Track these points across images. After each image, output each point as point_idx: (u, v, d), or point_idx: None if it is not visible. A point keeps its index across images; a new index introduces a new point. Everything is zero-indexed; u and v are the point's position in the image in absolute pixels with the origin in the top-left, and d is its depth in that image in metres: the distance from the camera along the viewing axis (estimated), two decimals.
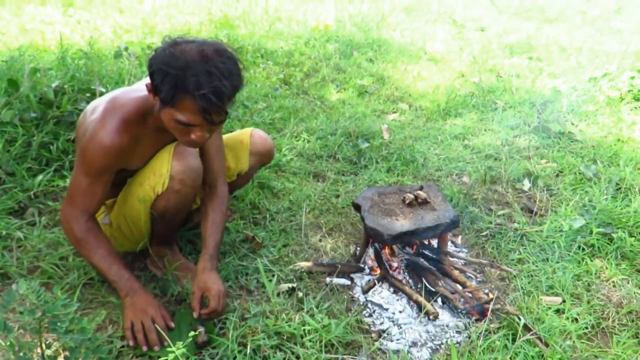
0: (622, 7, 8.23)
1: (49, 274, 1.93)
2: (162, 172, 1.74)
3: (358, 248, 2.28)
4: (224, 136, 2.12)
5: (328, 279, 2.06)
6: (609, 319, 1.90)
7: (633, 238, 2.32)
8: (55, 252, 2.02)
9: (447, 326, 1.88)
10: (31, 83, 2.66)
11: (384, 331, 1.84)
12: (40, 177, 2.40)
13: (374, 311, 1.95)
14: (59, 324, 1.29)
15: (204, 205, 1.95)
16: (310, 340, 1.69)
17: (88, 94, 2.73)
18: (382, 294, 2.04)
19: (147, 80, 1.58)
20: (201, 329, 1.66)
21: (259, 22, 5.95)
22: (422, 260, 2.13)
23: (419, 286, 2.04)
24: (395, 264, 2.20)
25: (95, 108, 1.69)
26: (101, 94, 2.70)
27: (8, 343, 1.29)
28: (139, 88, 1.71)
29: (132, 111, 1.66)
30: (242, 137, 2.19)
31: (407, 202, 2.15)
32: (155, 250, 1.98)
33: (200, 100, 1.45)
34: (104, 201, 1.83)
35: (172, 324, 1.68)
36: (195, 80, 1.44)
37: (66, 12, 5.91)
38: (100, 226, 1.79)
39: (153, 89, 1.54)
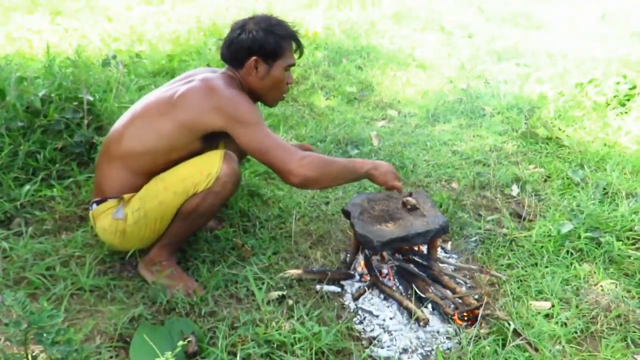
0: (606, 14, 8.33)
1: (36, 284, 1.91)
2: (210, 172, 1.83)
3: (348, 255, 2.28)
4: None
5: (318, 287, 2.06)
6: (597, 323, 1.92)
7: (620, 242, 2.33)
8: (42, 263, 2.00)
9: (437, 332, 1.88)
10: (18, 92, 2.63)
11: (374, 338, 1.84)
12: (27, 186, 2.38)
13: (364, 318, 1.94)
14: (45, 335, 1.28)
15: None
16: (300, 349, 1.68)
17: (75, 103, 2.71)
18: (372, 300, 2.04)
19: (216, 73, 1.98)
20: (191, 338, 1.65)
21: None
22: (412, 266, 2.13)
23: (409, 292, 2.04)
24: (385, 271, 2.20)
25: (190, 86, 1.89)
26: (89, 102, 2.68)
27: None
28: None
29: (224, 78, 1.95)
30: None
31: (408, 207, 2.16)
32: (155, 252, 1.96)
33: (295, 38, 2.01)
34: None
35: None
36: (285, 28, 1.98)
37: (54, 21, 5.88)
38: (112, 221, 1.87)
39: (263, 55, 1.93)
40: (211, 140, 1.92)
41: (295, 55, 2.05)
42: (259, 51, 1.92)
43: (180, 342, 1.46)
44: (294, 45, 2.02)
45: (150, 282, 1.95)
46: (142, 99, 2.03)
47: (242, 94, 1.91)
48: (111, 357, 1.63)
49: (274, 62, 1.96)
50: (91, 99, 2.73)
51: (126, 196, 1.90)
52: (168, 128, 1.84)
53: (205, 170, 1.83)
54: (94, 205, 1.94)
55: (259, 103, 2.11)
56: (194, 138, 1.87)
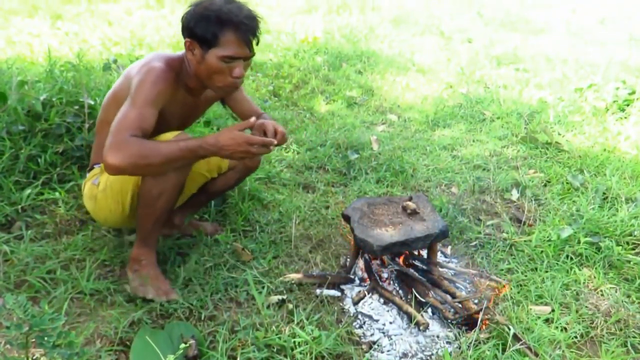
0: (605, 19, 8.36)
1: (36, 287, 1.91)
2: None
3: (348, 259, 2.28)
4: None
5: (318, 291, 2.06)
6: (597, 328, 1.92)
7: (620, 247, 2.34)
8: (43, 266, 2.00)
9: (437, 337, 1.88)
10: (19, 95, 2.64)
11: (374, 342, 1.84)
12: (27, 190, 2.38)
13: (364, 322, 1.94)
14: (46, 338, 1.28)
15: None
16: (300, 353, 1.68)
17: (76, 107, 2.72)
18: (372, 305, 2.03)
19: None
20: (192, 342, 1.65)
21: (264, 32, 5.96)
22: (412, 270, 2.13)
23: (409, 297, 2.04)
24: (385, 275, 2.20)
25: (138, 62, 1.87)
26: (90, 106, 2.69)
27: None
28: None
29: (173, 59, 1.86)
30: None
31: (408, 211, 2.16)
32: (135, 250, 1.97)
33: (240, 28, 1.73)
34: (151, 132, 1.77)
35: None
36: (232, 13, 1.72)
37: (54, 25, 5.90)
38: (90, 186, 1.91)
39: (193, 40, 1.75)
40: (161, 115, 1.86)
41: (245, 50, 1.78)
42: (192, 34, 1.76)
43: (182, 346, 1.45)
44: (240, 35, 1.75)
45: (130, 280, 1.97)
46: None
47: (162, 74, 1.78)
48: None
49: (208, 49, 1.76)
50: (92, 102, 2.74)
51: (103, 166, 1.92)
52: (121, 98, 1.83)
53: None
54: (87, 174, 2.04)
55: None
56: None
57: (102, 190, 1.92)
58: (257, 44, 1.82)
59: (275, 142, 1.80)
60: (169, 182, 1.82)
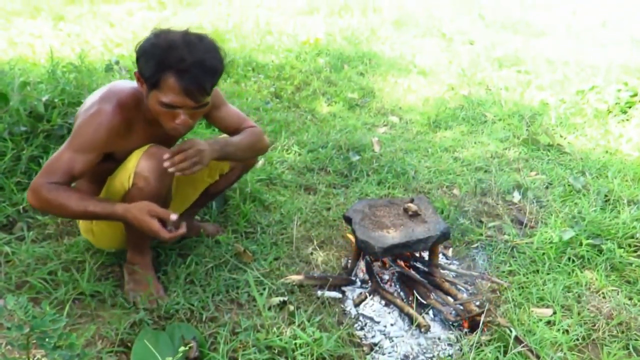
0: (607, 21, 8.35)
1: (38, 288, 1.91)
2: (129, 169, 1.76)
3: (349, 261, 2.28)
4: None
5: (319, 292, 2.06)
6: (599, 331, 1.91)
7: (622, 249, 2.33)
8: (44, 267, 2.00)
9: (438, 339, 1.88)
10: (21, 96, 2.64)
11: (375, 344, 1.84)
12: None
13: (365, 324, 1.94)
14: (47, 339, 1.27)
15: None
16: (301, 354, 1.68)
17: (78, 108, 2.72)
18: (373, 306, 2.03)
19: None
20: (193, 344, 1.64)
21: (249, 35, 5.97)
22: (413, 272, 2.13)
23: (410, 299, 2.04)
24: (386, 277, 2.20)
25: (93, 96, 1.78)
26: None
27: None
28: (134, 81, 1.79)
29: (128, 96, 1.74)
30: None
31: (409, 213, 2.16)
32: (129, 254, 1.99)
33: (182, 76, 1.55)
34: (74, 181, 1.75)
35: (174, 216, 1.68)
36: (177, 57, 1.55)
37: (56, 26, 5.90)
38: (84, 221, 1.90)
39: (140, 75, 1.64)
40: (112, 159, 1.83)
41: (184, 99, 1.60)
42: (139, 69, 1.65)
43: (182, 348, 1.45)
44: (181, 85, 1.57)
45: (125, 281, 1.99)
46: None
47: (106, 130, 1.68)
48: None
49: (149, 90, 1.64)
50: None
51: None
52: None
53: (128, 167, 1.78)
54: None
55: None
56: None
57: (97, 223, 1.94)
58: (208, 94, 1.66)
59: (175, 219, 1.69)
60: (143, 200, 1.76)
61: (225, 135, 2.05)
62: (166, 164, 1.68)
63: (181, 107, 1.63)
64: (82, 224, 2.01)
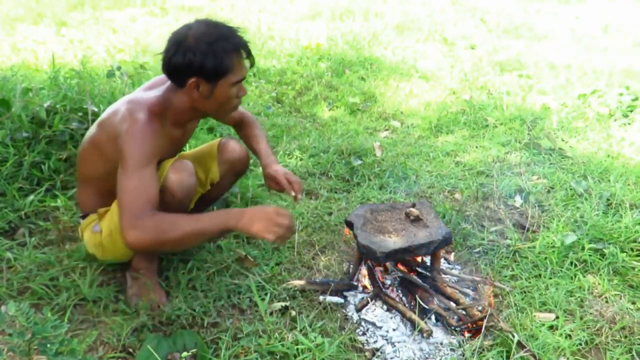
0: (609, 25, 8.35)
1: (39, 294, 1.91)
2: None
3: (351, 266, 2.28)
4: (195, 149, 2.31)
5: (321, 297, 2.05)
6: (602, 335, 1.90)
7: (625, 253, 2.33)
8: (46, 273, 2.00)
9: (441, 344, 1.88)
10: (23, 102, 2.65)
11: (377, 349, 1.83)
12: (31, 197, 2.39)
13: (367, 329, 1.94)
14: (48, 345, 1.27)
15: (241, 131, 2.34)
16: None
17: (80, 114, 2.73)
18: (375, 312, 2.03)
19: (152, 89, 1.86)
20: (187, 354, 1.60)
21: (251, 40, 5.96)
22: (415, 277, 2.12)
23: (412, 304, 2.03)
24: (388, 282, 2.19)
25: (116, 111, 1.77)
26: (93, 113, 2.70)
27: None
28: (145, 92, 1.87)
29: (153, 103, 1.78)
30: (210, 147, 2.27)
31: (411, 218, 2.16)
32: (135, 260, 1.99)
33: (244, 52, 1.76)
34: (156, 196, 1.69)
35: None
36: (234, 41, 1.72)
37: (59, 32, 5.93)
38: (92, 234, 1.88)
39: (199, 77, 1.70)
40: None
41: (247, 65, 1.82)
42: (199, 72, 1.69)
43: (184, 354, 1.45)
44: (243, 55, 1.78)
45: (128, 286, 1.99)
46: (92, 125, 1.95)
47: (152, 132, 1.71)
48: None
49: (217, 81, 1.73)
50: (96, 109, 2.75)
51: (101, 210, 1.94)
52: (107, 154, 1.80)
53: None
54: (81, 220, 2.02)
55: None
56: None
57: (108, 236, 1.91)
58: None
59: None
60: (179, 201, 1.84)
61: (258, 148, 2.26)
62: (300, 196, 2.07)
63: (244, 79, 1.81)
64: (89, 238, 1.98)
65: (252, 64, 1.82)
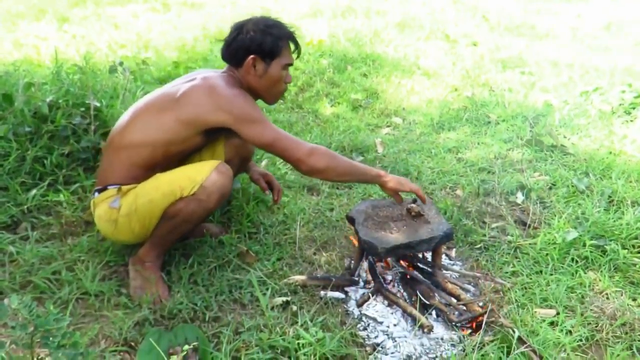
0: (611, 24, 8.33)
1: (42, 288, 1.92)
2: (196, 179, 1.86)
3: (352, 261, 2.28)
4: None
5: (322, 293, 2.06)
6: (602, 331, 1.91)
7: (626, 250, 2.33)
8: (48, 267, 2.01)
9: (441, 339, 1.88)
10: (25, 97, 2.66)
11: (378, 345, 1.84)
12: (33, 191, 2.40)
13: (368, 325, 1.94)
14: (51, 338, 1.28)
15: None
16: (304, 354, 1.68)
17: (82, 109, 2.73)
18: (376, 307, 2.03)
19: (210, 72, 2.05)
20: (190, 349, 1.60)
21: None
22: (416, 273, 2.13)
23: (413, 299, 2.04)
24: (389, 277, 2.20)
25: (193, 80, 1.98)
26: (96, 108, 2.70)
27: (0, 358, 1.28)
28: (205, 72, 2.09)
29: (225, 77, 2.01)
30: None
31: (412, 214, 2.17)
32: (144, 251, 1.99)
33: (293, 40, 2.08)
34: None
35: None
36: (285, 29, 2.05)
37: (61, 28, 5.93)
38: (108, 209, 1.90)
39: (257, 55, 1.99)
40: (212, 134, 1.97)
41: (294, 56, 2.12)
42: (257, 50, 1.99)
43: (185, 347, 1.46)
44: (291, 46, 2.09)
45: (130, 278, 1.99)
46: (146, 96, 2.08)
47: (243, 92, 1.97)
48: None
49: (271, 61, 2.02)
50: (98, 105, 2.75)
51: (124, 188, 1.93)
52: (169, 123, 1.90)
53: (193, 176, 1.87)
54: (96, 194, 1.99)
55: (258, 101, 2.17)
56: (194, 133, 1.93)
57: (126, 215, 1.91)
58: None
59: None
60: (202, 214, 1.91)
61: None
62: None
63: (291, 65, 2.10)
64: (104, 212, 1.95)
65: (299, 56, 2.13)
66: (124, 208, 1.90)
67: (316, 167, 1.93)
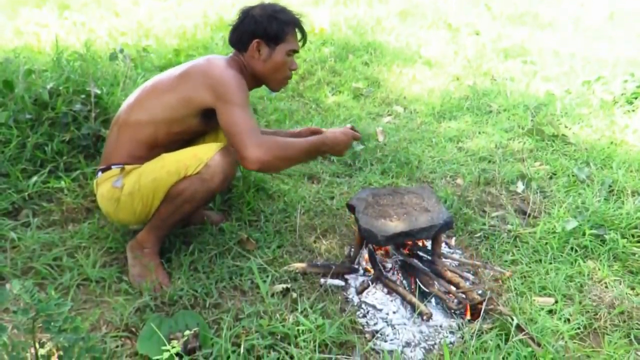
0: (614, 13, 8.28)
1: (43, 274, 1.92)
2: (202, 158, 1.88)
3: (352, 249, 2.29)
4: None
5: (322, 280, 2.07)
6: (600, 320, 1.92)
7: (625, 239, 2.33)
8: (49, 253, 2.02)
9: (440, 326, 1.89)
10: (26, 84, 2.66)
11: (377, 331, 1.85)
12: (34, 178, 2.40)
13: (367, 312, 1.95)
14: (52, 323, 1.29)
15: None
16: (304, 340, 1.69)
17: (83, 96, 2.73)
18: (376, 294, 2.04)
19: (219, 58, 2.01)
20: (190, 334, 1.61)
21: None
22: (415, 261, 2.14)
23: (412, 287, 2.05)
24: (389, 265, 2.20)
25: (197, 64, 1.99)
26: (96, 95, 2.70)
27: (2, 342, 1.29)
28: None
29: (228, 60, 2.03)
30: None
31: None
32: (143, 235, 1.99)
33: (299, 27, 2.08)
34: None
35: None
36: (292, 16, 2.06)
37: (62, 15, 5.91)
38: (111, 188, 1.92)
39: (262, 39, 2.00)
40: (211, 119, 1.95)
41: (300, 44, 2.12)
42: (262, 34, 2.00)
43: (187, 332, 1.47)
44: (297, 33, 2.09)
45: (129, 264, 1.99)
46: (156, 76, 2.11)
47: (238, 76, 1.94)
48: (117, 347, 1.64)
49: (276, 46, 2.03)
50: (98, 92, 2.74)
51: (128, 167, 1.94)
52: (170, 101, 1.93)
53: (199, 155, 1.89)
54: (99, 174, 1.99)
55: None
56: (191, 113, 1.94)
57: (129, 194, 1.91)
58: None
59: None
60: (204, 195, 1.91)
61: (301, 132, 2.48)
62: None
63: (297, 52, 2.10)
64: (106, 191, 1.94)
65: (304, 43, 2.13)
66: (127, 187, 1.91)
67: (262, 161, 1.81)
